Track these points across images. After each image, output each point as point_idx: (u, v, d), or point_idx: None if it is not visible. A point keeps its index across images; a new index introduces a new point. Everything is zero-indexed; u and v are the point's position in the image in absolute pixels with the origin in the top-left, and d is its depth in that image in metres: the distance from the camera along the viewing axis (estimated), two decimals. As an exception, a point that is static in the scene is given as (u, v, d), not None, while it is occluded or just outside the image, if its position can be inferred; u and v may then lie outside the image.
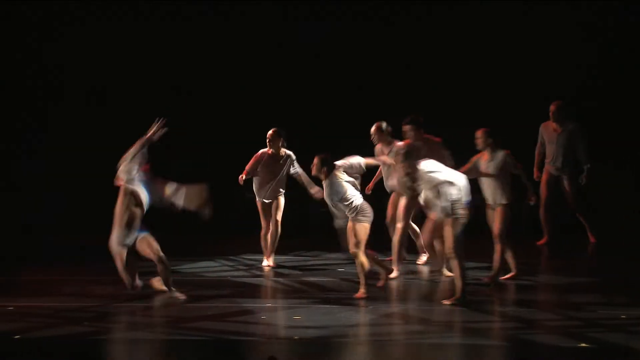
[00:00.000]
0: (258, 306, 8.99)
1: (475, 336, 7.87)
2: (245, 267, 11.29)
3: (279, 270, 11.10)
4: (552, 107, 12.07)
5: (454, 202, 8.88)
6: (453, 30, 14.63)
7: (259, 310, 8.81)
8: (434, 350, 7.51)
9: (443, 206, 8.89)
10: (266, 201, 11.25)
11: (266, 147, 11.23)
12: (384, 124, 11.08)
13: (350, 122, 13.93)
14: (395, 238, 10.55)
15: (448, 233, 8.97)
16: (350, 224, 9.32)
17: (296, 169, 11.26)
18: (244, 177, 11.17)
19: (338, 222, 9.44)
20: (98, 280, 10.39)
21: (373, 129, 11.07)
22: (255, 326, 8.23)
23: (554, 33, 14.29)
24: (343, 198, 9.22)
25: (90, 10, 15.07)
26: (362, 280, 9.30)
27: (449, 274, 10.40)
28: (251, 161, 11.25)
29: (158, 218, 14.44)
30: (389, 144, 11.00)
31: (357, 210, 9.23)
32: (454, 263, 9.01)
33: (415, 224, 11.06)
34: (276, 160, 11.21)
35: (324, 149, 9.47)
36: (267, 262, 11.28)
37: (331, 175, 9.27)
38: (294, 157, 11.29)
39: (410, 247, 11.21)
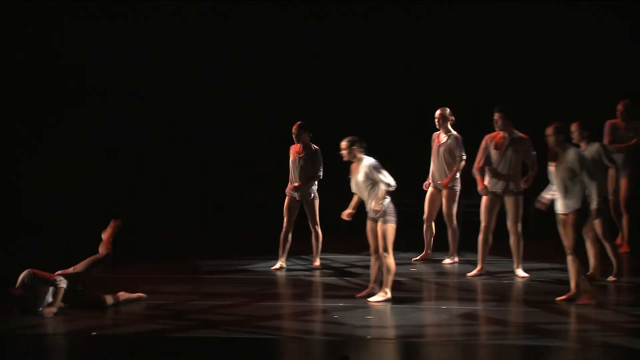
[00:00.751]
0: (330, 305, 8.99)
1: (549, 338, 7.76)
2: (317, 267, 11.26)
3: (352, 269, 11.08)
4: (619, 107, 11.77)
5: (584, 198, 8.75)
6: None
7: (331, 309, 8.81)
8: (504, 351, 7.43)
9: (578, 199, 8.75)
10: (296, 198, 11.06)
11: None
12: (447, 110, 11.16)
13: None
14: (480, 237, 10.48)
15: (570, 230, 8.83)
16: (371, 223, 9.13)
17: (315, 169, 10.97)
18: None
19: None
20: (171, 278, 10.51)
21: (438, 113, 11.18)
22: (328, 325, 8.23)
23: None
24: (384, 178, 8.93)
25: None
26: (387, 282, 9.07)
27: (523, 274, 10.30)
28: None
29: (231, 217, 14.80)
30: (447, 132, 11.17)
31: (384, 209, 9.01)
32: (573, 260, 8.86)
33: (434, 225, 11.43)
34: (301, 155, 11.01)
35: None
36: (280, 263, 11.04)
37: (363, 157, 9.07)
38: (319, 154, 11.03)
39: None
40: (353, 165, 9.21)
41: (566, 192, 8.82)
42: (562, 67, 14.38)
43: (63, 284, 8.71)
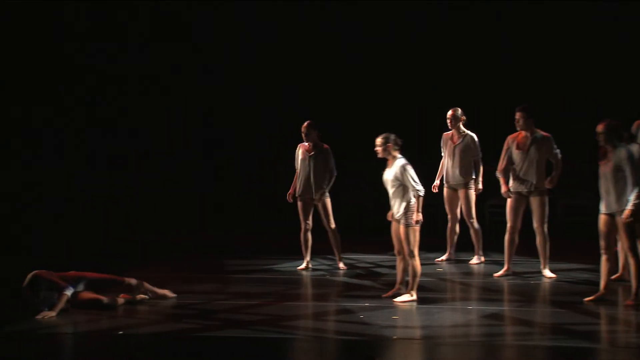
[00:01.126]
0: (356, 305, 8.97)
1: (577, 339, 7.69)
2: (343, 266, 11.23)
3: (377, 269, 11.06)
4: None
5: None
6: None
7: (357, 309, 8.79)
8: (531, 352, 7.38)
9: (625, 199, 8.61)
10: (307, 198, 10.96)
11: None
12: (459, 111, 11.15)
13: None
14: (506, 237, 10.42)
15: (622, 231, 8.67)
16: (395, 225, 9.02)
17: (329, 168, 10.89)
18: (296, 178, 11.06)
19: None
20: (195, 278, 10.54)
21: (449, 113, 11.17)
22: (354, 325, 8.21)
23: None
24: (414, 180, 8.82)
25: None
26: (412, 285, 9.00)
27: (550, 275, 10.23)
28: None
29: (257, 218, 14.82)
30: (460, 132, 11.20)
31: (409, 211, 8.91)
32: (632, 262, 8.74)
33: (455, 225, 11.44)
34: (311, 154, 10.89)
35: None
36: (306, 263, 11.03)
37: (398, 155, 8.95)
38: (330, 152, 10.91)
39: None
40: (389, 162, 9.09)
41: (612, 191, 8.71)
42: (586, 65, 14.31)
43: (68, 292, 8.69)
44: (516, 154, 10.28)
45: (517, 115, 10.25)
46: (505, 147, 10.40)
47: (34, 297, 8.62)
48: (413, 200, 8.90)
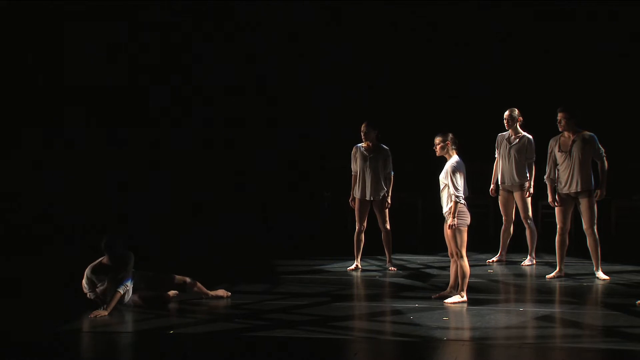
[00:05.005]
0: (406, 306, 8.95)
1: (631, 341, 7.59)
2: (392, 268, 11.23)
3: (428, 270, 11.03)
4: None
5: None
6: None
7: (407, 310, 8.77)
8: (583, 354, 7.30)
9: None
10: (365, 198, 10.97)
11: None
12: (515, 111, 11.12)
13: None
14: (557, 239, 10.34)
15: None
16: (446, 227, 8.96)
17: (389, 169, 10.94)
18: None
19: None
20: (247, 278, 10.60)
21: (506, 114, 11.17)
22: (404, 326, 8.19)
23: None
24: (455, 184, 8.72)
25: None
26: (462, 286, 8.96)
27: (603, 277, 10.12)
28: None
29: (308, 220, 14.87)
30: (517, 133, 11.16)
31: (454, 211, 8.83)
32: None
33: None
34: (369, 154, 10.90)
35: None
36: (356, 264, 11.09)
37: (454, 155, 8.89)
38: (389, 153, 10.94)
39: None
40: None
41: None
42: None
43: (122, 291, 8.81)
44: (559, 156, 10.20)
45: (559, 116, 10.17)
46: (549, 150, 10.32)
47: (111, 252, 8.82)
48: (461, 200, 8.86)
